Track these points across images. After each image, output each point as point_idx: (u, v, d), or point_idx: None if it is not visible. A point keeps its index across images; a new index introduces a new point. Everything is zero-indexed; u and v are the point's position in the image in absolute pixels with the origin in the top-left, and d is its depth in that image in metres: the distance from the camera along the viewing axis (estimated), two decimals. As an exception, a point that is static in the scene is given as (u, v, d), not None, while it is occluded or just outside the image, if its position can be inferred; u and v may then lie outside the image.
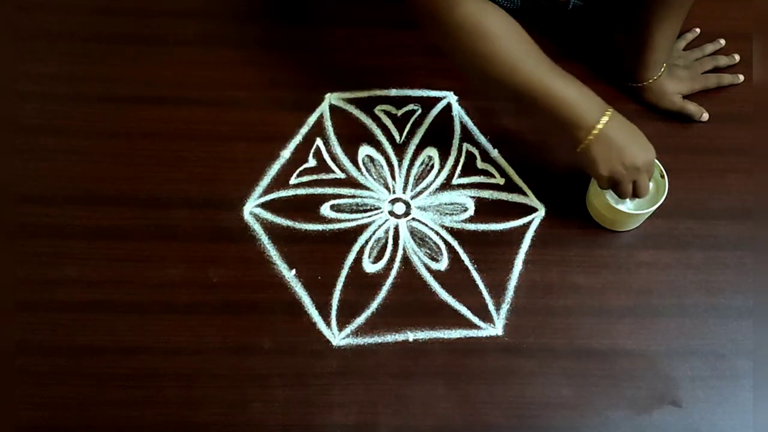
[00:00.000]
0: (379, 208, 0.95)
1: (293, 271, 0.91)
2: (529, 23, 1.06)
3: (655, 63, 0.96)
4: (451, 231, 0.94)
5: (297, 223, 0.94)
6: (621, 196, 0.87)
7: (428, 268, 0.92)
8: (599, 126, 0.82)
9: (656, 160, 0.91)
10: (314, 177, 0.97)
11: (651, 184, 0.92)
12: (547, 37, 1.05)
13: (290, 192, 0.96)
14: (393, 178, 0.97)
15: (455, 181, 0.97)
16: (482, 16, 0.80)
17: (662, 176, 0.91)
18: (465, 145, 0.99)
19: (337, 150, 0.98)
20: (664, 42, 0.95)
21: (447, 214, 0.95)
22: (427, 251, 0.93)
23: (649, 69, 0.97)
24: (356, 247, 0.93)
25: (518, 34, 0.82)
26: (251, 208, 0.94)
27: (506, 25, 0.82)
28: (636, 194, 0.87)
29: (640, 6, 0.93)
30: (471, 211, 0.95)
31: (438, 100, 1.02)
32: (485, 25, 0.80)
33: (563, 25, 1.06)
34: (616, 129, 0.83)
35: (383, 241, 0.93)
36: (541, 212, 0.95)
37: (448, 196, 0.96)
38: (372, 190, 0.96)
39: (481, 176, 0.97)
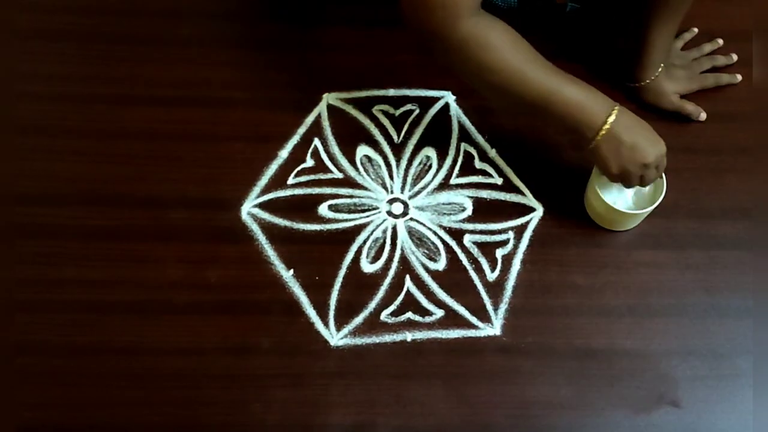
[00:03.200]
0: (377, 208, 0.95)
1: (291, 271, 0.91)
2: (527, 25, 1.07)
3: (652, 63, 0.96)
4: (449, 231, 0.94)
5: (295, 223, 0.94)
6: (628, 186, 0.88)
7: (426, 268, 0.92)
8: (606, 126, 0.82)
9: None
10: (312, 177, 0.97)
11: (642, 187, 0.92)
12: (545, 38, 1.06)
13: (288, 192, 0.96)
14: (391, 178, 0.97)
15: (453, 180, 0.97)
16: (483, 29, 0.80)
17: (660, 176, 0.91)
18: (463, 145, 0.99)
19: (335, 150, 0.98)
20: (661, 43, 0.95)
21: (445, 213, 0.95)
22: (425, 251, 0.93)
23: (647, 69, 0.97)
24: (354, 247, 0.93)
25: (520, 44, 0.82)
26: (249, 208, 0.94)
27: (507, 36, 0.82)
28: (641, 185, 0.88)
29: (637, 7, 0.93)
30: (469, 211, 0.95)
31: (436, 99, 1.02)
32: (488, 38, 0.80)
33: (561, 26, 1.06)
34: (624, 127, 0.83)
35: (381, 241, 0.93)
36: (539, 212, 0.95)
37: (446, 196, 0.96)
38: (370, 190, 0.96)
39: (479, 176, 0.97)
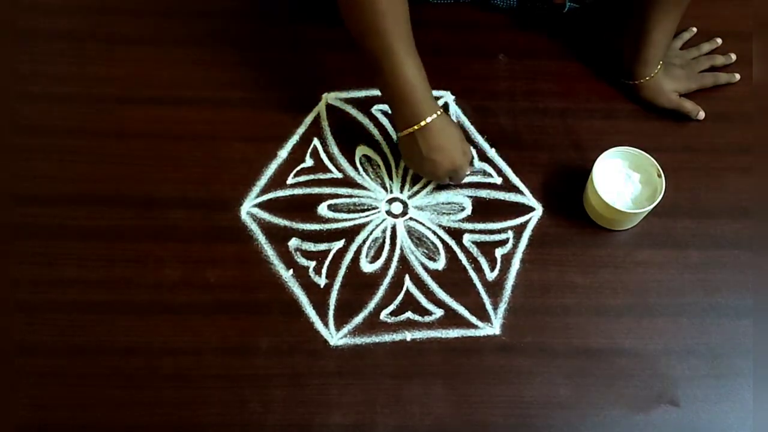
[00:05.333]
0: (377, 207, 0.95)
1: (291, 271, 0.91)
2: (526, 24, 1.07)
3: (652, 60, 0.96)
4: (449, 230, 0.94)
5: (294, 223, 0.94)
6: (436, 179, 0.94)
7: (425, 268, 0.92)
8: (423, 122, 0.86)
9: (653, 159, 0.92)
10: (311, 177, 0.97)
11: (640, 186, 0.92)
12: (544, 37, 1.06)
13: (287, 192, 0.96)
14: (390, 177, 0.97)
15: (452, 180, 0.97)
16: None
17: (659, 175, 0.91)
18: (462, 145, 0.99)
19: (335, 150, 0.98)
20: (661, 38, 0.95)
21: (444, 213, 0.95)
22: (425, 251, 0.93)
23: (646, 66, 0.97)
24: (354, 247, 0.93)
25: (399, 11, 0.84)
26: (248, 208, 0.94)
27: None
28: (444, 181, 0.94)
29: (637, 3, 0.93)
30: (468, 211, 0.95)
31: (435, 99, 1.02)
32: None
33: (560, 25, 1.06)
34: (436, 130, 0.87)
35: (380, 240, 0.93)
36: (539, 211, 0.95)
37: (445, 196, 0.96)
38: (369, 190, 0.96)
39: (479, 176, 0.97)
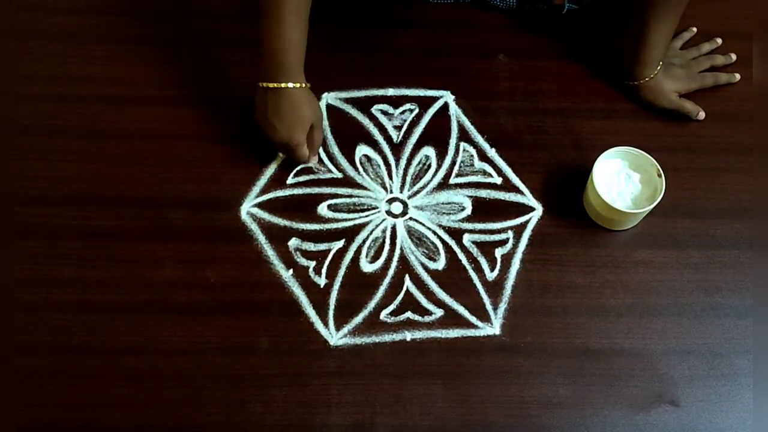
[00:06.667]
0: (377, 207, 0.95)
1: (290, 271, 0.91)
2: (526, 25, 1.07)
3: (652, 60, 0.97)
4: (449, 230, 0.94)
5: (294, 223, 0.94)
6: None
7: (425, 268, 0.92)
8: (273, 85, 0.89)
9: (653, 159, 0.92)
10: (311, 177, 0.97)
11: (640, 186, 0.92)
12: (543, 38, 1.06)
13: (287, 192, 0.96)
14: (390, 177, 0.97)
15: (452, 180, 0.97)
16: None
17: (659, 175, 0.91)
18: (462, 145, 0.99)
19: (335, 150, 0.98)
20: (660, 39, 0.95)
21: (444, 213, 0.95)
22: (425, 251, 0.93)
23: (646, 66, 0.97)
24: (354, 247, 0.93)
25: None
26: (248, 208, 0.94)
27: None
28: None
29: (637, 4, 0.93)
30: (468, 211, 0.95)
31: (435, 99, 1.02)
32: None
33: (559, 26, 1.06)
34: (290, 100, 0.90)
35: (380, 240, 0.93)
36: (539, 211, 0.95)
37: (445, 196, 0.96)
38: (369, 190, 0.96)
39: (479, 175, 0.97)
